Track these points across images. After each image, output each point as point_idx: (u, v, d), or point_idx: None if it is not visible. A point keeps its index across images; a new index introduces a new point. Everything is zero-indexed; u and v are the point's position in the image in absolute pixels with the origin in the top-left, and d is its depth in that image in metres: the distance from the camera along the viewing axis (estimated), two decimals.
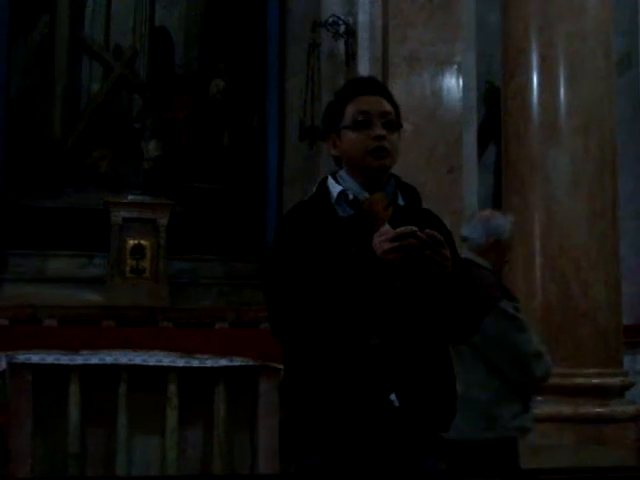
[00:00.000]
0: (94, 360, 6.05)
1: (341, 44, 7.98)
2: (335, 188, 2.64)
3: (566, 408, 5.15)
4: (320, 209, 2.60)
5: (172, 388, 6.31)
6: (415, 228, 2.36)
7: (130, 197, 8.51)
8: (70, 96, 9.29)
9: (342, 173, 2.67)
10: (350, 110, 2.64)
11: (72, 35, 9.34)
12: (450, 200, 6.85)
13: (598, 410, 5.24)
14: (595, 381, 5.26)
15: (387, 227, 2.41)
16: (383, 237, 2.38)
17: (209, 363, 6.32)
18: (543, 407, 5.03)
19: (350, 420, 2.42)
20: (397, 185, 2.68)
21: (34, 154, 8.94)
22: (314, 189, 2.68)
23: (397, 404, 2.44)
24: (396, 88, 6.68)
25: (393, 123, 2.64)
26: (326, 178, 2.69)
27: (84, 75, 9.50)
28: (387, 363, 2.46)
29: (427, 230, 2.38)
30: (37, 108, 9.18)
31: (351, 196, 2.60)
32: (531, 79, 5.69)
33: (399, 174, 2.74)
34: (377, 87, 2.73)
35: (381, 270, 2.37)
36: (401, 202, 2.65)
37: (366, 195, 2.59)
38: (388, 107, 2.65)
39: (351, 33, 7.86)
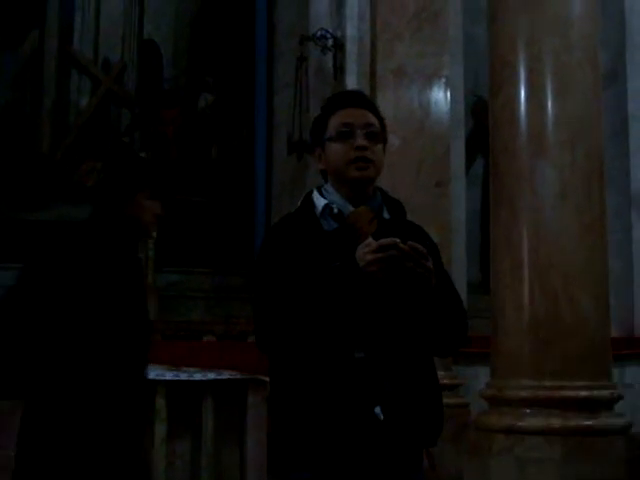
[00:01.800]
0: None
1: (329, 58, 8.00)
2: (320, 201, 2.64)
3: (555, 421, 5.14)
4: (305, 223, 2.60)
5: (160, 401, 6.29)
6: (397, 240, 2.36)
7: None
8: (59, 110, 9.31)
9: (327, 187, 2.68)
10: (333, 122, 2.64)
11: (61, 49, 9.37)
12: (438, 213, 6.87)
13: (587, 423, 5.23)
14: (584, 394, 5.25)
15: (371, 240, 2.41)
16: (366, 249, 2.39)
17: (197, 376, 6.31)
18: (531, 420, 5.03)
19: (335, 434, 2.42)
20: (383, 199, 2.69)
21: (23, 167, 8.94)
22: (299, 203, 2.68)
23: (382, 417, 2.44)
24: (384, 101, 6.70)
25: (377, 135, 2.64)
26: (311, 192, 2.69)
27: (73, 89, 9.52)
28: (372, 376, 2.45)
29: (409, 242, 2.38)
30: (26, 122, 9.19)
31: (336, 210, 2.60)
32: (518, 92, 5.69)
33: (387, 187, 2.74)
34: (361, 100, 2.72)
35: (364, 282, 2.37)
36: (386, 215, 2.65)
37: (351, 209, 2.59)
38: (372, 119, 2.65)
39: (339, 47, 7.88)
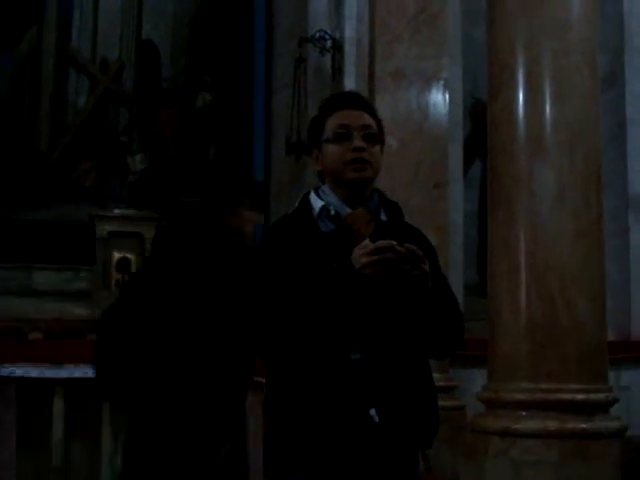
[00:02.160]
0: (78, 374, 6.02)
1: (328, 59, 8.00)
2: (317, 203, 2.63)
3: (551, 424, 5.14)
4: (302, 224, 2.59)
5: None
6: (394, 242, 2.36)
7: (116, 211, 8.51)
8: (56, 109, 9.31)
9: (325, 188, 2.67)
10: (330, 124, 2.63)
11: (59, 48, 9.36)
12: (436, 215, 6.86)
13: (583, 426, 5.23)
14: (580, 397, 5.25)
15: (367, 242, 2.40)
16: (362, 251, 2.38)
17: None
18: (528, 423, 5.03)
19: (330, 436, 2.42)
20: (380, 200, 2.68)
21: (20, 167, 8.93)
22: (296, 204, 2.68)
23: (377, 420, 2.43)
24: (382, 103, 6.69)
25: (374, 136, 2.63)
26: (308, 193, 2.69)
27: (70, 88, 9.52)
28: (367, 378, 2.45)
29: (406, 244, 2.37)
30: (23, 121, 9.18)
31: (333, 211, 2.60)
32: (517, 95, 5.69)
33: (385, 188, 2.74)
34: (358, 101, 2.71)
35: (360, 284, 2.36)
36: (384, 217, 2.65)
37: (348, 210, 2.59)
38: (369, 120, 2.64)
39: (338, 48, 7.88)
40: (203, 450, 3.39)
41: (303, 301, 2.40)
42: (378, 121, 2.68)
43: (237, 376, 3.58)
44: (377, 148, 2.63)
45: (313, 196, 2.66)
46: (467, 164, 8.15)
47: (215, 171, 3.40)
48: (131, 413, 3.53)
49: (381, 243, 2.36)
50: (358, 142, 2.59)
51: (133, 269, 8.26)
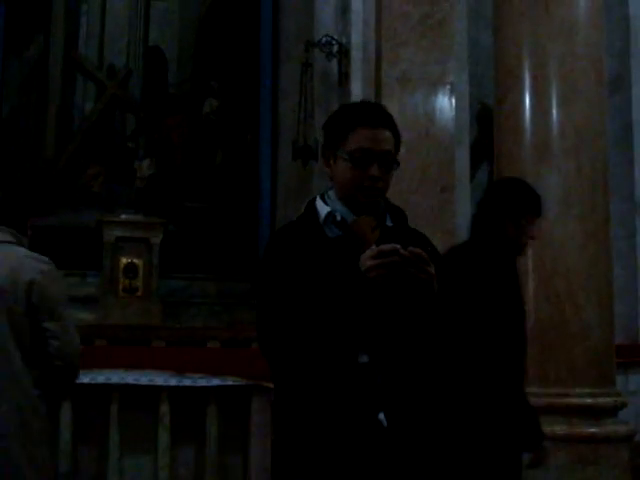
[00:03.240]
0: (86, 379, 6.02)
1: (334, 64, 8.00)
2: (323, 209, 2.63)
3: (559, 428, 5.14)
4: (308, 230, 2.59)
5: (164, 408, 6.29)
6: (398, 246, 2.36)
7: (123, 216, 8.51)
8: (64, 115, 9.32)
9: (331, 194, 2.67)
10: (352, 141, 2.58)
11: (66, 54, 9.37)
12: (442, 219, 6.86)
13: (592, 430, 5.24)
14: (588, 401, 5.26)
15: (374, 247, 2.41)
16: (367, 255, 2.39)
17: (201, 382, 6.31)
18: None
19: (338, 440, 2.42)
20: (385, 206, 2.68)
21: (27, 172, 8.95)
22: (302, 210, 2.68)
23: (385, 424, 2.44)
24: (389, 108, 6.67)
25: (391, 162, 2.61)
26: (314, 199, 2.69)
27: (78, 94, 9.53)
28: (376, 382, 2.45)
29: (411, 248, 2.37)
30: (31, 127, 9.20)
31: (339, 217, 2.60)
32: (523, 99, 5.70)
33: (391, 193, 2.73)
34: (385, 119, 2.65)
35: (366, 287, 2.37)
36: (389, 223, 2.65)
37: (353, 216, 2.59)
38: (390, 144, 2.60)
39: (344, 53, 7.89)
40: (505, 455, 3.53)
41: (310, 305, 2.40)
42: (398, 138, 2.64)
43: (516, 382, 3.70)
44: (391, 173, 2.62)
45: (319, 202, 2.66)
46: (474, 168, 8.14)
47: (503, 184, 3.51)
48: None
49: (385, 247, 2.37)
50: (375, 171, 2.56)
51: (140, 274, 8.26)
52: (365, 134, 2.58)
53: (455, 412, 3.47)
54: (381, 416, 2.44)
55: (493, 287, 3.61)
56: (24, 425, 3.85)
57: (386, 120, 2.65)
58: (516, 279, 3.80)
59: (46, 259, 4.09)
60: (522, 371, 3.85)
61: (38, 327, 3.85)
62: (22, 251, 4.06)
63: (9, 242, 4.07)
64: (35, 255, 4.07)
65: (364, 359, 2.46)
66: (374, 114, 2.66)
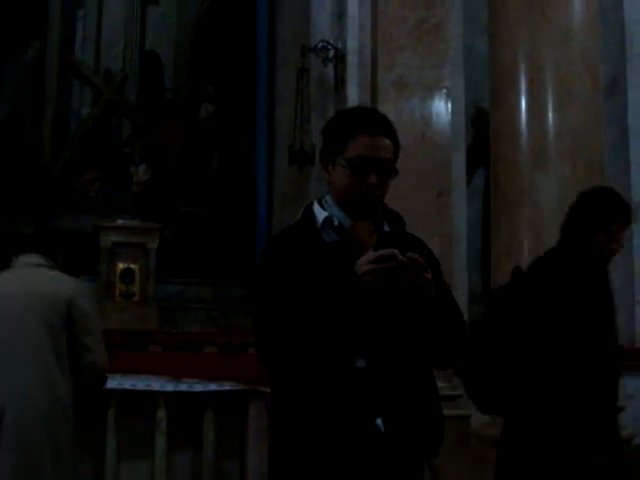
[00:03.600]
0: None
1: (330, 69, 8.01)
2: (321, 214, 2.63)
3: None
4: (306, 234, 2.60)
5: (161, 413, 6.29)
6: (396, 251, 2.37)
7: (119, 221, 8.51)
8: (60, 120, 9.32)
9: (328, 199, 2.67)
10: (352, 148, 2.59)
11: (62, 59, 9.37)
12: (439, 223, 6.87)
13: None
14: None
15: (371, 252, 2.42)
16: (365, 259, 2.39)
17: (198, 387, 6.30)
18: None
19: (336, 445, 2.42)
20: (383, 211, 2.68)
21: (24, 177, 8.94)
22: (300, 214, 2.68)
23: (383, 429, 2.44)
24: (385, 113, 6.70)
25: (390, 170, 2.62)
26: (312, 204, 2.69)
27: (74, 99, 9.53)
28: (373, 387, 2.45)
29: (409, 253, 2.38)
30: (27, 132, 9.19)
31: (336, 222, 2.60)
32: (519, 104, 5.71)
33: (388, 198, 2.73)
34: (385, 127, 2.66)
35: (363, 292, 2.37)
36: (387, 228, 2.66)
37: (351, 221, 2.59)
38: (389, 152, 2.62)
39: (340, 58, 7.89)
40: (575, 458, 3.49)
41: (307, 309, 2.40)
42: (397, 145, 2.65)
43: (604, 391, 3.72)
44: (390, 181, 2.62)
45: (316, 207, 2.67)
46: (470, 173, 8.15)
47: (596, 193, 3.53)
48: (506, 422, 3.62)
49: (384, 252, 2.38)
50: (373, 179, 2.57)
51: (137, 279, 8.26)
52: (364, 142, 2.58)
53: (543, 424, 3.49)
54: (379, 421, 2.44)
55: (587, 297, 3.62)
56: (55, 432, 4.15)
57: (386, 128, 2.65)
58: (608, 287, 3.81)
59: (78, 280, 4.61)
60: (615, 387, 3.84)
61: (74, 341, 4.22)
62: (56, 272, 4.47)
63: (44, 265, 4.45)
64: (67, 276, 4.47)
65: (361, 364, 2.47)
66: (374, 121, 2.66)
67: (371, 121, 2.66)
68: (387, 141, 2.62)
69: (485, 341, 3.57)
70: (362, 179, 2.57)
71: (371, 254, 2.40)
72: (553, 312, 3.54)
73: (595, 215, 3.87)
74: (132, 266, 8.28)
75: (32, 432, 4.11)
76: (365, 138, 2.59)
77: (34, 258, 4.49)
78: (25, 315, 4.22)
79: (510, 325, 3.54)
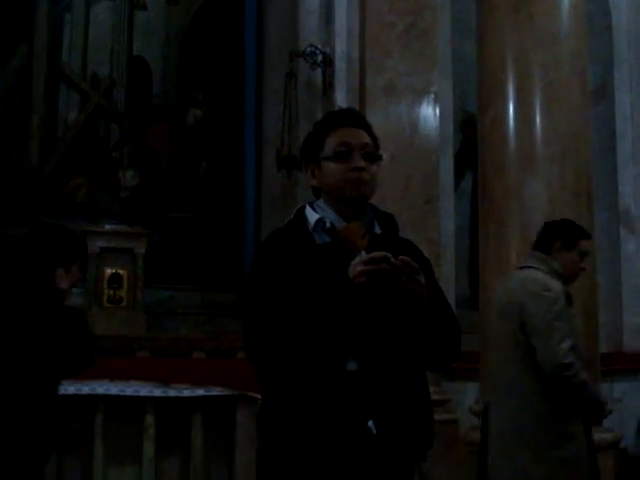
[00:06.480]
0: (71, 390, 6.00)
1: (318, 74, 8.01)
2: (312, 216, 2.65)
3: None
4: (297, 236, 2.61)
5: (149, 418, 6.28)
6: (388, 254, 2.38)
7: (107, 226, 8.48)
8: (47, 125, 9.29)
9: (320, 203, 2.69)
10: (331, 141, 2.65)
11: (50, 64, 9.35)
12: (427, 228, 6.88)
13: None
14: None
15: (364, 254, 2.43)
16: (357, 261, 2.40)
17: (186, 393, 6.30)
18: None
19: (327, 448, 2.41)
20: (374, 213, 2.70)
21: (10, 182, 8.92)
22: (291, 216, 2.69)
23: (375, 431, 2.43)
24: (373, 117, 6.70)
25: (373, 155, 2.66)
26: (304, 207, 2.71)
27: (61, 104, 9.50)
28: (364, 389, 2.45)
29: (401, 256, 2.39)
30: (14, 136, 9.16)
31: (328, 224, 2.61)
32: (507, 108, 5.72)
33: (375, 202, 2.75)
34: (357, 119, 2.74)
35: (355, 294, 2.37)
36: (378, 230, 2.66)
37: (343, 223, 2.60)
38: (368, 139, 2.67)
39: (328, 63, 7.89)
40: None
41: (298, 312, 2.40)
42: (375, 139, 2.70)
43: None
44: (375, 167, 2.66)
45: (309, 209, 2.68)
46: (458, 177, 8.16)
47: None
48: None
49: (375, 254, 2.38)
50: (359, 162, 2.61)
51: (125, 285, 8.23)
52: (343, 132, 2.66)
53: None
54: (370, 424, 2.44)
55: None
56: None
57: (359, 121, 2.73)
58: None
59: None
60: None
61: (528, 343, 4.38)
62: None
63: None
64: None
65: (353, 366, 2.47)
66: (346, 116, 2.76)
67: (343, 117, 2.75)
68: (362, 132, 2.68)
69: None
70: (348, 164, 2.60)
71: (364, 256, 2.41)
72: None
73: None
74: (120, 271, 8.26)
75: None
76: (341, 129, 2.66)
77: None
78: None
79: None
